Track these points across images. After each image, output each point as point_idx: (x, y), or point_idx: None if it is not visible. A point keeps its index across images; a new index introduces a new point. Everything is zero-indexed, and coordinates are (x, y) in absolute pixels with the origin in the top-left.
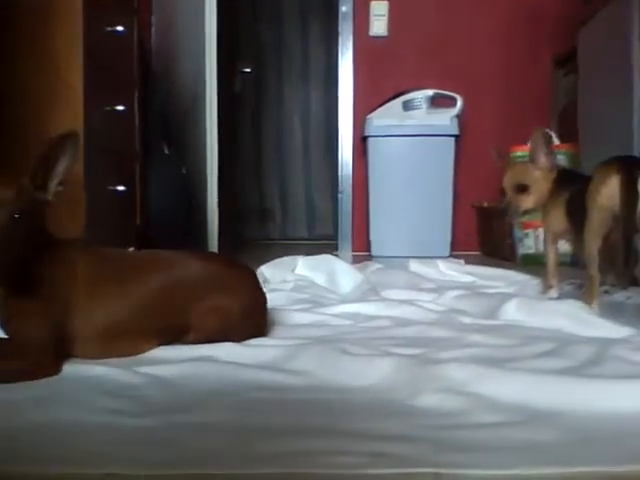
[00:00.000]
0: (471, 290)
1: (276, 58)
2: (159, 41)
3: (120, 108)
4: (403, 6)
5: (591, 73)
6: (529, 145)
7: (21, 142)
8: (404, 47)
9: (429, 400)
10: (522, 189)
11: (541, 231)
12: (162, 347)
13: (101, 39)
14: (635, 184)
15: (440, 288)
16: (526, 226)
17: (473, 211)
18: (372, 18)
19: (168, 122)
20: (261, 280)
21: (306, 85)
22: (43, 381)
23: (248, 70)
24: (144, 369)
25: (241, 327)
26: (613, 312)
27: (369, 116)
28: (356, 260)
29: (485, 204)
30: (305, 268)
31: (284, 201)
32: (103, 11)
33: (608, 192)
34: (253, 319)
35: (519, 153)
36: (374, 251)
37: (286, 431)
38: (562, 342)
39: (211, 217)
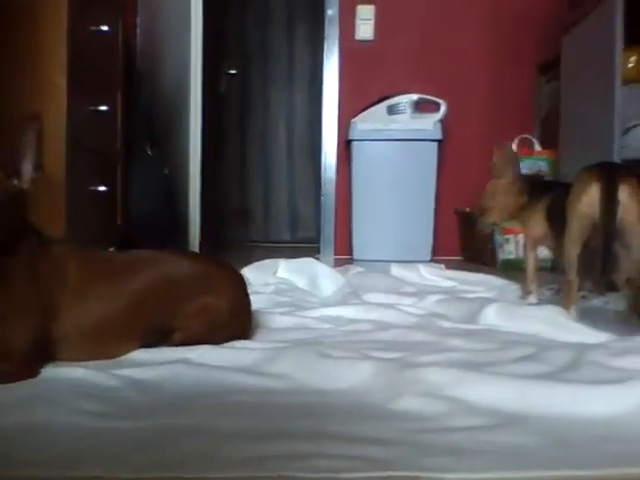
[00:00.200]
0: (451, 295)
1: (262, 60)
2: (144, 41)
3: (104, 108)
4: (389, 10)
5: (574, 79)
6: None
7: (3, 140)
8: (390, 51)
9: (408, 403)
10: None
11: (522, 237)
12: (142, 349)
13: (86, 38)
14: (616, 192)
15: (421, 292)
16: (507, 232)
17: (455, 216)
18: (358, 22)
19: (152, 123)
20: None
21: (291, 88)
22: (22, 383)
23: (234, 72)
24: (124, 371)
25: (227, 329)
26: (591, 317)
27: (353, 120)
28: (338, 263)
29: (467, 209)
30: (287, 271)
31: (267, 203)
32: (88, 10)
33: (588, 200)
34: (239, 321)
35: None
36: (356, 255)
37: (266, 434)
38: (540, 347)
39: (193, 218)
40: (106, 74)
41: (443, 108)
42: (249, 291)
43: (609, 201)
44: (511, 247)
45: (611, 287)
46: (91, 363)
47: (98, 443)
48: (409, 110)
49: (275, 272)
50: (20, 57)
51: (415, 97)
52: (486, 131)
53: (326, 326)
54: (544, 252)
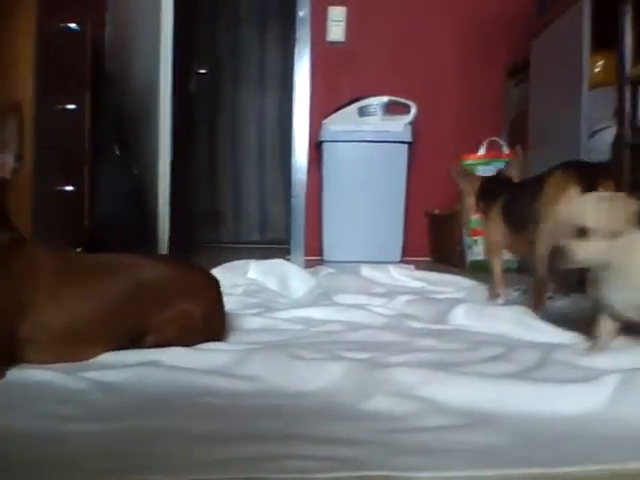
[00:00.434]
0: (421, 295)
1: (233, 61)
2: (113, 40)
3: (72, 107)
4: (361, 12)
5: (543, 83)
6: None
7: None
8: (361, 53)
9: (379, 404)
10: None
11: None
12: (111, 351)
13: (54, 36)
14: None
15: (391, 293)
16: (475, 233)
17: (425, 218)
18: (330, 24)
19: (121, 122)
20: None
21: (262, 89)
22: None
23: (204, 72)
24: (93, 374)
25: (201, 333)
26: (557, 317)
27: (325, 121)
28: (308, 265)
29: (436, 211)
30: (257, 272)
31: (237, 204)
32: (57, 8)
33: (567, 202)
34: (214, 325)
35: (470, 161)
36: (326, 256)
37: (237, 436)
38: (508, 347)
39: (162, 219)
40: (74, 73)
41: (413, 110)
42: None
43: None
44: (479, 249)
45: (576, 288)
46: (58, 365)
47: (65, 447)
48: (380, 112)
49: (245, 273)
50: None
51: (386, 99)
52: (456, 134)
53: (297, 327)
54: (509, 254)
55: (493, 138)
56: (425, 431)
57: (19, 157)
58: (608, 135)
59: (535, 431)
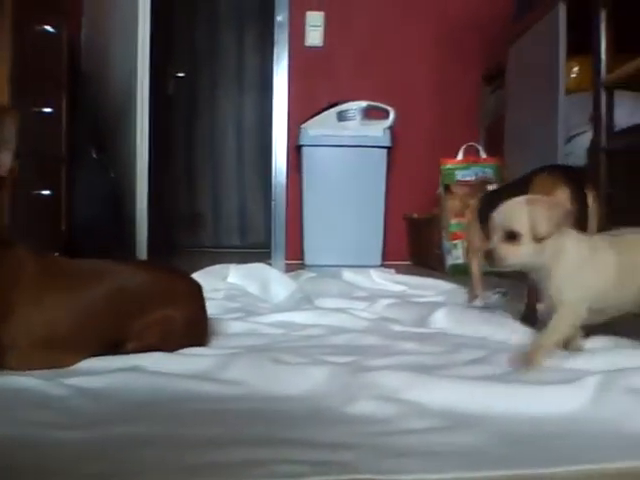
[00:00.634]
0: (402, 299)
1: (211, 64)
2: (90, 43)
3: (47, 110)
4: (339, 17)
5: (519, 89)
6: None
7: None
8: (339, 58)
9: (363, 407)
10: None
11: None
12: (93, 357)
13: (30, 38)
14: (586, 199)
15: (372, 297)
16: (454, 237)
17: (404, 221)
18: (308, 28)
19: (98, 125)
20: None
21: (241, 92)
22: None
23: (182, 75)
24: (74, 380)
25: (183, 339)
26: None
27: (303, 125)
28: (289, 269)
29: (415, 215)
30: (237, 277)
31: (217, 208)
32: (33, 10)
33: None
34: (196, 329)
35: (448, 166)
36: (307, 260)
37: (222, 441)
38: (489, 349)
39: (140, 223)
40: (51, 76)
41: (392, 115)
42: None
43: (581, 208)
44: (459, 252)
45: None
46: (35, 372)
47: (46, 454)
48: (359, 117)
49: (225, 278)
50: None
51: (364, 104)
52: (433, 138)
53: (279, 331)
54: None
55: (471, 143)
56: (410, 433)
57: (16, 156)
58: (585, 140)
59: (520, 432)
